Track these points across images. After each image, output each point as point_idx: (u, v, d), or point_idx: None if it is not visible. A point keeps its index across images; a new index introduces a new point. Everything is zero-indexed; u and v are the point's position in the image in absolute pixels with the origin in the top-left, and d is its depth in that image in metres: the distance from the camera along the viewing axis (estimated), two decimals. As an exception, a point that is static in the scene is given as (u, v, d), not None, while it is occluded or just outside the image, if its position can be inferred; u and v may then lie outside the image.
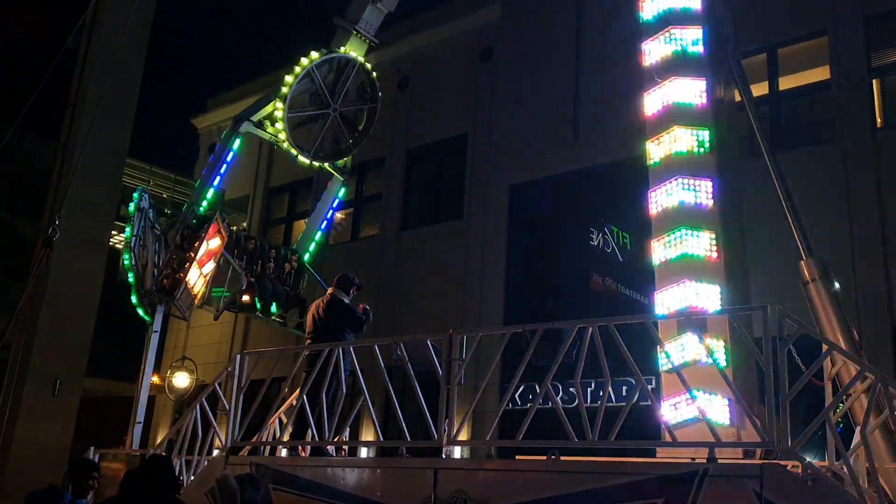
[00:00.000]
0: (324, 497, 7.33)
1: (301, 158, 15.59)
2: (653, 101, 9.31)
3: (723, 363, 7.64)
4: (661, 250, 8.70)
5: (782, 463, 5.85)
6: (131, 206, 13.11)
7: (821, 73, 14.46)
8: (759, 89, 14.12)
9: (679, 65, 9.14)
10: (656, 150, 9.08)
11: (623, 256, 14.48)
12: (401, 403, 7.75)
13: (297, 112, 15.19)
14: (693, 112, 8.98)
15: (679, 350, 7.81)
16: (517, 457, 7.56)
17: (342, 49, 15.65)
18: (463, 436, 7.34)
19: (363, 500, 7.09)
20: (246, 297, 14.84)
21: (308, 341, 9.16)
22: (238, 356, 8.93)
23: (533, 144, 17.48)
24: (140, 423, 11.81)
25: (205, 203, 14.58)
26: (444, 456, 7.09)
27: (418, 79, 20.14)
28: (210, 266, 12.83)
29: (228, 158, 15.06)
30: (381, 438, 8.84)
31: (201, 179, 15.33)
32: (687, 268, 8.35)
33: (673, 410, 7.82)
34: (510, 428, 6.79)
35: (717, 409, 7.64)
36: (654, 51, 9.45)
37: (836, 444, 5.90)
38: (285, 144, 15.35)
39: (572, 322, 6.73)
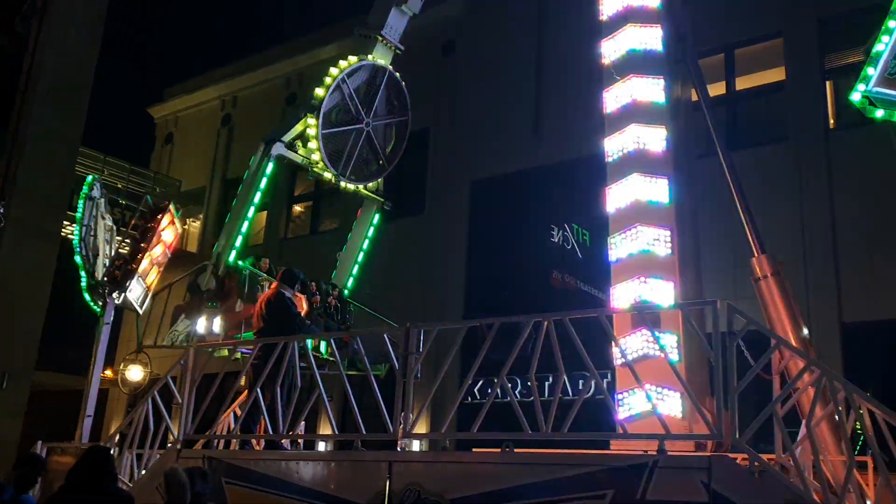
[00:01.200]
0: (278, 491, 7.26)
1: (342, 183, 14.29)
2: (612, 99, 9.39)
3: (675, 357, 7.77)
4: (617, 246, 8.80)
5: (731, 455, 5.97)
6: (81, 195, 12.79)
7: (776, 74, 14.76)
8: (717, 89, 14.36)
9: (638, 63, 9.24)
10: (614, 146, 9.17)
11: (582, 253, 14.64)
12: (358, 397, 7.72)
13: (330, 129, 13.88)
14: (651, 110, 9.09)
15: (632, 344, 7.91)
16: (474, 449, 7.58)
17: (369, 57, 14.51)
18: (420, 429, 7.33)
19: (317, 493, 7.04)
20: None
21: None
22: (191, 349, 8.81)
23: (495, 140, 17.52)
24: (90, 416, 11.53)
25: (240, 239, 13.01)
26: (399, 449, 7.08)
27: (380, 72, 20.01)
28: (159, 250, 12.53)
29: (262, 185, 13.35)
30: (337, 432, 8.78)
31: (231, 212, 13.59)
32: (642, 264, 8.46)
33: (626, 404, 7.93)
34: (470, 421, 6.80)
35: (670, 402, 7.76)
36: (613, 49, 9.54)
37: (783, 437, 6.03)
38: (319, 166, 13.88)
39: (528, 316, 6.76)
